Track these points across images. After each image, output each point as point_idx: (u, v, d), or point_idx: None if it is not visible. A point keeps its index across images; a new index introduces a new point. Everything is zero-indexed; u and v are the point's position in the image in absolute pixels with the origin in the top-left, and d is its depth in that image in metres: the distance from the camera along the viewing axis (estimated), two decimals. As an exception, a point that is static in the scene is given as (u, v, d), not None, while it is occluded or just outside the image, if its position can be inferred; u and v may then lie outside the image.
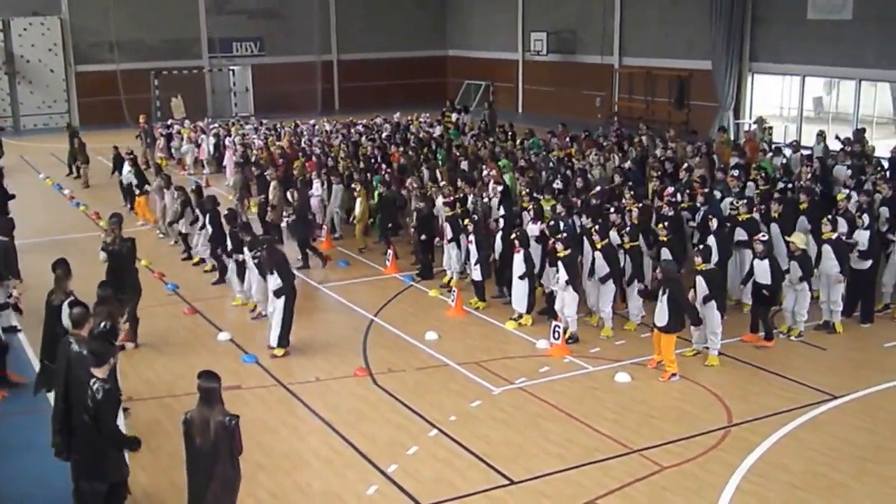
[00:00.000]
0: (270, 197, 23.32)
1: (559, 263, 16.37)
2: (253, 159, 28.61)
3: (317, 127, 36.32)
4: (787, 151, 27.78)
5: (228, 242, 18.98)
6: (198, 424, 9.42)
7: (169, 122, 40.13)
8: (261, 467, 12.24)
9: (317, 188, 24.31)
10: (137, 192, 26.79)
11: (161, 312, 18.02)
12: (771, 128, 32.64)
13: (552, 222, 18.33)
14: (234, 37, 51.44)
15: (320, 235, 23.49)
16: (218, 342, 17.09)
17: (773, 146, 28.54)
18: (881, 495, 11.41)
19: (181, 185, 23.27)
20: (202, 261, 21.56)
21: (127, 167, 27.25)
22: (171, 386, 15.03)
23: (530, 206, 19.19)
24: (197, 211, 21.29)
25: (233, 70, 51.35)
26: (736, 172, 21.70)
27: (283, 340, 16.25)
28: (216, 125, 37.09)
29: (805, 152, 26.62)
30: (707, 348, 15.68)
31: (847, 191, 19.94)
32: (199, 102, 48.72)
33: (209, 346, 16.87)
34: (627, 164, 24.93)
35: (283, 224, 21.07)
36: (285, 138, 32.77)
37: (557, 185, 21.97)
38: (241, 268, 18.33)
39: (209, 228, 20.10)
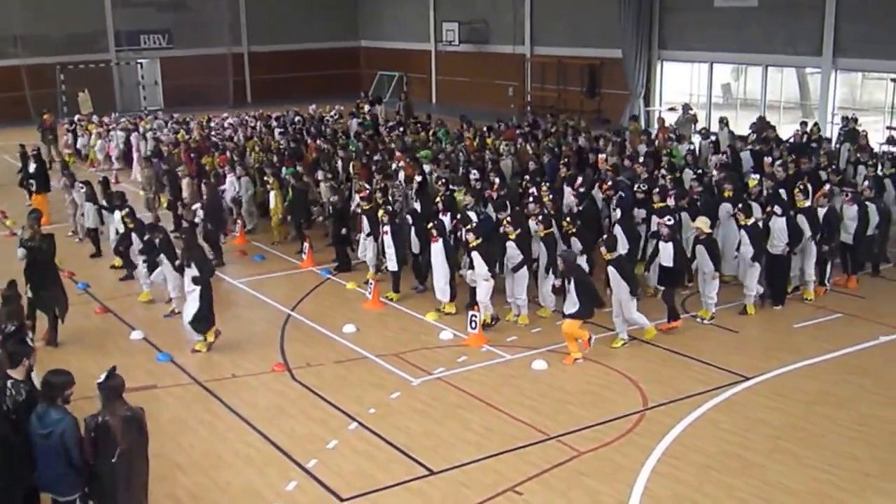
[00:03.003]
0: (184, 193, 22.94)
1: (473, 253, 16.42)
2: (165, 154, 28.15)
3: (228, 120, 35.86)
4: (696, 139, 28.20)
5: (135, 240, 18.65)
6: (117, 426, 9.07)
7: (76, 117, 39.28)
8: (179, 467, 12.08)
9: (231, 182, 23.99)
10: (34, 189, 26.11)
11: (72, 312, 17.57)
12: (695, 115, 33.03)
13: (460, 214, 18.35)
14: (142, 29, 50.62)
15: (234, 231, 23.22)
16: (131, 341, 16.80)
17: (701, 131, 28.94)
18: (794, 474, 11.63)
19: (87, 181, 22.83)
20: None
21: (32, 165, 26.59)
22: (84, 387, 14.58)
23: (441, 198, 19.22)
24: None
25: (141, 63, 50.39)
26: (642, 160, 21.92)
27: (202, 326, 15.88)
28: (123, 120, 36.41)
29: (713, 139, 27.07)
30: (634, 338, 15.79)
31: (757, 176, 20.31)
32: (106, 97, 47.79)
33: (122, 346, 16.57)
34: (545, 156, 24.99)
35: (196, 220, 20.70)
36: (196, 132, 32.29)
37: (473, 175, 21.99)
38: (153, 265, 18.07)
39: (118, 226, 19.73)
